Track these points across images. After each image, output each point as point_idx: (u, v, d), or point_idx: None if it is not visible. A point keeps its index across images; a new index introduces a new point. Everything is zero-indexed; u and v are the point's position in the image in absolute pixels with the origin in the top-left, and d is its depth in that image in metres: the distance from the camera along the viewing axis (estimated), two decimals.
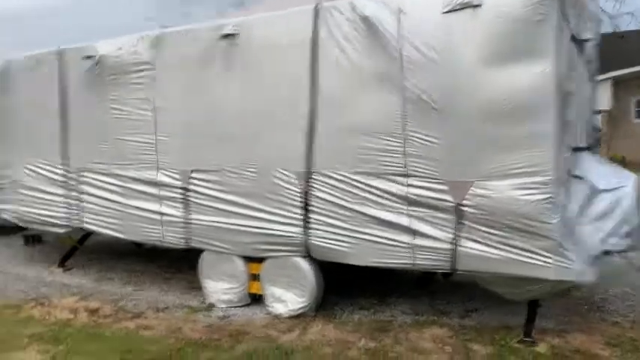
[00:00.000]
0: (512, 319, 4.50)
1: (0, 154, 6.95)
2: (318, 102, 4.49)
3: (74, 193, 6.25)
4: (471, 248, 3.95)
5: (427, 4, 3.94)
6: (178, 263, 6.96)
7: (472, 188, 3.88)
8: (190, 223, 5.33)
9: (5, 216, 7.05)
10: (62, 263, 7.06)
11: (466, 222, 3.95)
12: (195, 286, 5.95)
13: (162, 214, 5.51)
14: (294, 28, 4.55)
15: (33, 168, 6.59)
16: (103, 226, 6.03)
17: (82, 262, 7.14)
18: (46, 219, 6.58)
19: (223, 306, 5.20)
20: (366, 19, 4.15)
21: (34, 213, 6.66)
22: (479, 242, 3.92)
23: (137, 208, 5.69)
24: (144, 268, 6.91)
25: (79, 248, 7.22)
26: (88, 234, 6.74)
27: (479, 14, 3.74)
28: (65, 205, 6.35)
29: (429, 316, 4.79)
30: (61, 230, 6.57)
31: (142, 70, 5.47)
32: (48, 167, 6.44)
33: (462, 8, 3.78)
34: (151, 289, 6.01)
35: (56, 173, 6.38)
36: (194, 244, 5.38)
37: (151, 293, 5.82)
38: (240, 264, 5.14)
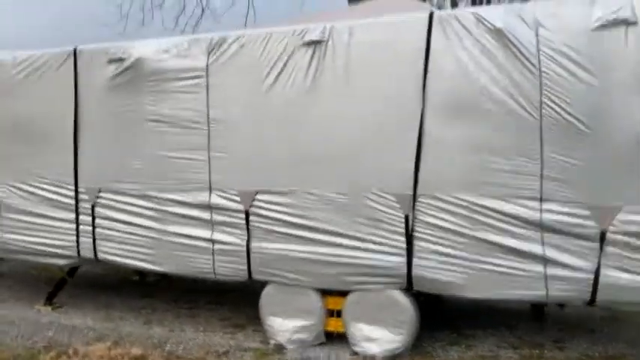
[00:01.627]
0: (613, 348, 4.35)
1: None
2: (427, 117, 4.09)
3: (85, 218, 5.31)
4: (617, 277, 3.72)
5: (572, 19, 3.72)
6: (186, 296, 6.22)
7: (620, 213, 3.67)
8: (253, 252, 4.67)
9: None
10: (50, 300, 5.99)
11: (611, 249, 3.72)
12: (237, 323, 5.30)
13: (214, 241, 4.79)
14: (403, 36, 4.14)
15: (24, 187, 5.55)
16: (129, 256, 5.15)
17: (64, 298, 6.10)
18: (42, 248, 5.54)
19: (295, 347, 4.57)
20: (497, 32, 3.85)
21: (25, 241, 5.60)
22: (627, 271, 3.70)
23: (179, 235, 4.91)
24: (146, 303, 6.06)
25: (67, 282, 6.18)
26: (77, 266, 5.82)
27: (635, 32, 3.58)
28: (71, 232, 5.39)
29: (531, 349, 4.50)
30: (64, 261, 5.56)
31: (193, 77, 4.77)
32: (48, 187, 5.44)
33: (615, 25, 3.60)
34: (185, 328, 5.20)
35: (60, 194, 5.40)
36: (257, 276, 4.71)
37: (191, 335, 5.02)
38: (315, 298, 4.56)
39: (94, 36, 6.61)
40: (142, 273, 7.03)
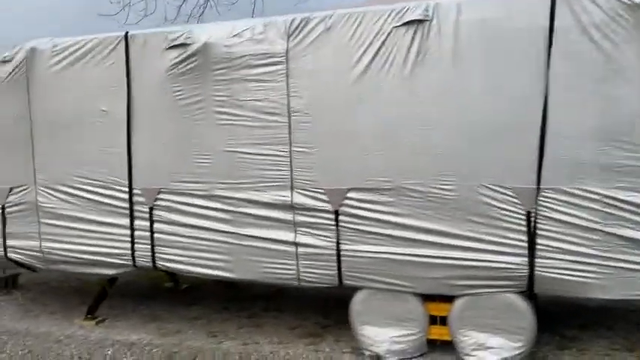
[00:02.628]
0: None
1: (7, 171, 5.20)
2: (552, 102, 3.71)
3: (142, 222, 4.78)
4: None
5: None
6: (233, 302, 5.82)
7: None
8: (343, 256, 4.23)
9: (15, 257, 5.28)
10: (91, 314, 5.44)
11: None
12: (312, 332, 4.89)
13: (298, 245, 4.33)
14: (522, 13, 3.75)
15: (66, 190, 4.98)
16: (195, 263, 4.65)
17: (101, 310, 5.57)
18: (90, 257, 4.99)
19: (395, 357, 4.16)
20: (636, 7, 3.49)
21: (69, 250, 5.03)
22: None
23: (256, 238, 4.43)
24: (197, 312, 5.61)
25: (108, 293, 5.63)
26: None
27: None
28: (124, 239, 4.85)
29: None
30: (114, 271, 5.02)
31: (271, 64, 4.29)
32: (96, 189, 4.89)
33: None
34: (259, 340, 4.74)
35: (111, 197, 4.86)
36: (349, 282, 4.27)
37: (270, 348, 4.56)
38: (416, 304, 4.15)
39: (95, 27, 6.05)
40: (176, 279, 6.53)
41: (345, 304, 4.38)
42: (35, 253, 5.15)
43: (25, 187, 5.12)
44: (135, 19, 10.52)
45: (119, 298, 5.92)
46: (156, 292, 6.40)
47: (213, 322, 5.29)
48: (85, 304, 5.93)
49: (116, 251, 4.88)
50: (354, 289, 4.32)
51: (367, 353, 4.24)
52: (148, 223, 4.76)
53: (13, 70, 5.05)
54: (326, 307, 5.48)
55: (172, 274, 6.39)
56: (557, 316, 4.80)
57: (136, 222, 4.79)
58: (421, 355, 4.19)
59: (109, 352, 4.57)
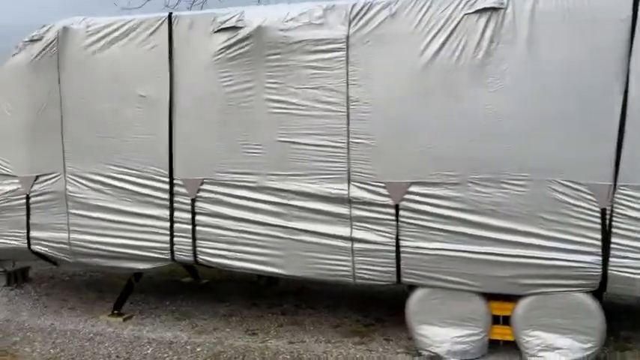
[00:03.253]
0: None
1: (33, 158, 4.89)
2: (633, 95, 3.59)
3: (183, 215, 4.54)
4: None
5: None
6: (262, 298, 5.65)
7: None
8: (402, 252, 4.06)
9: (39, 249, 4.97)
10: (118, 310, 5.17)
11: None
12: (357, 330, 4.74)
13: (353, 240, 4.15)
14: (602, 5, 3.61)
15: (100, 179, 4.70)
16: (240, 258, 4.43)
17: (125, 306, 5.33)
18: (124, 251, 4.72)
19: (456, 358, 4.01)
20: None
21: (101, 243, 4.75)
22: None
23: (309, 233, 4.23)
24: (227, 308, 5.41)
25: (134, 288, 5.36)
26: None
27: None
28: (163, 232, 4.60)
29: None
30: (151, 265, 4.77)
31: (330, 50, 4.09)
32: (133, 179, 4.63)
33: None
34: (304, 338, 4.55)
35: (149, 187, 4.60)
36: (407, 280, 4.11)
37: (319, 347, 4.37)
38: (479, 303, 4.01)
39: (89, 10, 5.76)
40: (195, 274, 6.30)
41: (382, 300, 4.23)
42: (62, 246, 4.86)
43: (52, 176, 4.82)
44: (137, 2, 10.17)
45: (139, 293, 5.65)
46: (176, 288, 6.15)
47: (248, 319, 5.08)
48: (104, 299, 5.71)
49: (153, 244, 4.63)
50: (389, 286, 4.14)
51: (425, 353, 4.09)
52: (189, 216, 4.51)
53: (43, 50, 4.75)
54: (363, 304, 5.34)
55: (191, 269, 6.16)
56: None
57: (176, 214, 4.54)
58: (482, 356, 4.05)
59: (149, 351, 4.33)
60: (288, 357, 4.15)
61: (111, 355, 4.27)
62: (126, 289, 5.29)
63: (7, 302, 5.67)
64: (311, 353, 4.21)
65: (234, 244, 4.42)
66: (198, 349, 4.33)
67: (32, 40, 4.77)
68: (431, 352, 4.07)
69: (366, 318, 5.06)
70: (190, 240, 4.53)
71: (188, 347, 4.38)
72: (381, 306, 5.35)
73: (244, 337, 4.62)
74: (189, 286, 6.28)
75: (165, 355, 4.25)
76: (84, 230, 4.77)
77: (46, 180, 4.83)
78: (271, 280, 5.07)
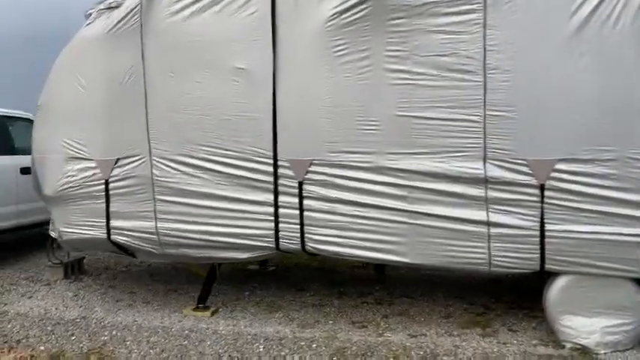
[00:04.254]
0: None
1: (112, 139, 4.43)
2: None
3: (289, 199, 4.12)
4: None
5: None
6: (346, 286, 5.31)
7: None
8: (548, 237, 3.68)
9: (120, 239, 4.53)
10: (203, 302, 4.77)
11: None
12: (475, 321, 4.34)
13: (490, 224, 3.76)
14: None
15: (190, 162, 4.26)
16: (358, 245, 4.03)
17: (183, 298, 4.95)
18: (221, 240, 4.30)
19: (606, 351, 3.68)
20: None
21: (195, 232, 4.33)
22: None
23: (438, 217, 3.84)
24: (315, 298, 5.06)
25: (217, 279, 4.96)
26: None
27: None
28: (266, 218, 4.18)
29: None
30: (250, 255, 4.36)
31: (464, 13, 3.66)
32: (229, 160, 4.19)
33: None
34: (424, 331, 4.18)
35: (249, 169, 4.17)
36: (552, 266, 3.74)
37: (442, 340, 4.00)
38: (632, 290, 3.67)
39: None
40: (263, 260, 5.91)
41: (478, 286, 3.88)
42: (148, 236, 4.42)
43: (136, 159, 4.37)
44: None
45: (198, 283, 5.23)
46: (244, 276, 5.76)
47: (345, 310, 4.71)
48: (174, 290, 5.34)
49: (255, 232, 4.21)
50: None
51: (569, 346, 3.75)
52: (296, 200, 4.09)
53: (123, 19, 4.27)
54: (458, 290, 5.03)
55: None
56: None
57: (282, 198, 4.12)
58: (635, 347, 3.72)
59: (261, 349, 3.93)
60: (421, 353, 3.77)
61: (220, 355, 3.87)
62: (208, 281, 4.89)
63: (74, 297, 5.23)
64: (442, 348, 3.84)
65: (347, 231, 4.02)
66: (314, 346, 3.95)
67: (110, 8, 4.29)
68: (577, 343, 3.72)
69: (471, 306, 4.73)
70: (298, 226, 4.12)
71: (302, 343, 3.99)
72: (478, 292, 5.02)
73: (355, 331, 4.24)
74: (258, 274, 5.90)
75: (283, 352, 3.86)
76: (174, 218, 4.34)
77: (129, 163, 4.38)
78: (379, 267, 4.69)
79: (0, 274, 6.06)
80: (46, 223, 6.92)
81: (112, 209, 4.45)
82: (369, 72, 3.85)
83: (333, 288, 5.37)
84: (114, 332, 4.34)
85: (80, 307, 4.96)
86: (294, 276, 5.70)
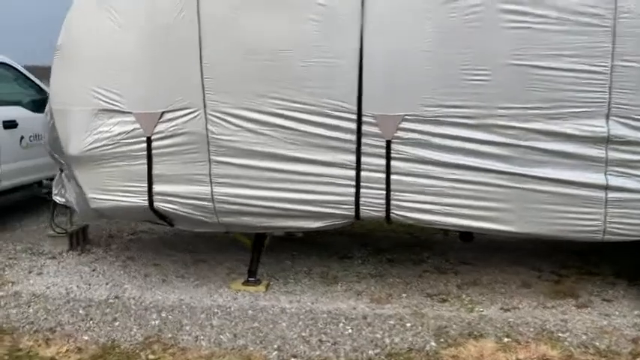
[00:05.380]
0: None
1: (156, 88, 3.70)
2: None
3: (373, 160, 3.59)
4: None
5: None
6: (378, 255, 4.92)
7: None
8: None
9: (166, 207, 3.86)
10: (254, 276, 4.23)
11: None
12: (554, 289, 4.10)
13: (608, 188, 3.40)
14: None
15: (255, 117, 3.62)
16: (455, 213, 3.58)
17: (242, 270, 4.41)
18: (289, 207, 3.73)
19: None
20: None
21: (259, 198, 3.73)
22: None
23: (550, 181, 3.43)
24: (353, 267, 4.62)
25: (264, 249, 4.41)
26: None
27: None
28: (344, 182, 3.64)
29: None
30: (324, 224, 3.82)
31: None
32: (304, 115, 3.58)
33: None
34: (502, 301, 3.87)
35: (327, 126, 3.58)
36: None
37: (540, 311, 3.68)
38: None
39: None
40: None
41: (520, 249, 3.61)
42: (202, 203, 3.78)
43: (186, 112, 3.66)
44: None
45: (238, 252, 4.67)
46: (273, 244, 5.16)
47: (412, 281, 4.32)
48: (204, 260, 4.76)
49: (332, 198, 3.67)
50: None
51: None
52: (383, 162, 3.57)
53: None
54: (514, 256, 4.73)
55: None
56: None
57: (365, 160, 3.58)
58: None
59: (350, 330, 3.46)
60: (532, 330, 3.42)
61: (311, 338, 3.37)
62: (257, 250, 4.33)
63: (92, 272, 4.53)
64: (550, 324, 3.50)
65: (443, 197, 3.55)
66: (409, 325, 3.51)
67: None
68: None
69: (541, 272, 4.44)
70: (383, 192, 3.60)
71: (392, 322, 3.55)
72: (534, 256, 4.71)
73: (439, 305, 3.85)
74: (288, 240, 5.35)
75: (377, 335, 3.41)
76: (233, 182, 3.71)
77: (177, 118, 3.67)
78: (467, 234, 4.28)
79: None
80: (30, 186, 6.08)
81: (155, 172, 3.75)
82: (477, 12, 3.32)
83: (378, 255, 4.95)
84: (163, 315, 3.74)
85: (106, 284, 4.29)
86: (328, 242, 5.20)
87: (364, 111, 3.51)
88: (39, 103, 6.15)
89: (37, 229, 5.75)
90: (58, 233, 5.00)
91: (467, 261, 4.73)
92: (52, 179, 6.42)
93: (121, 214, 4.11)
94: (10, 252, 5.01)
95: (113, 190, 3.81)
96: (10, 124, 5.57)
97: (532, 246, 4.97)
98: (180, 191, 3.77)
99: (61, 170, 4.65)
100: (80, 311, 3.79)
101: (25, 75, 6.17)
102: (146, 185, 3.77)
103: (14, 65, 6.05)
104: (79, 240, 5.19)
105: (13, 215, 6.18)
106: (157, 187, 3.78)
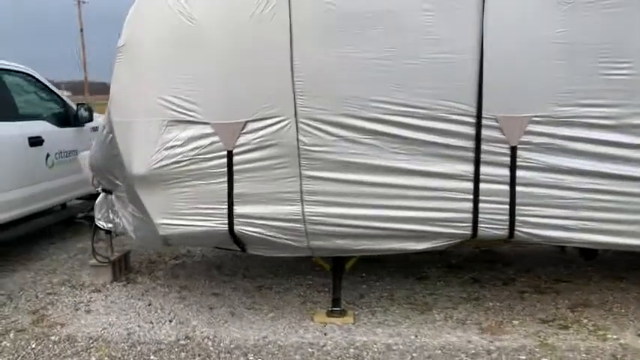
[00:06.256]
0: None
1: (239, 93, 3.17)
2: None
3: (493, 170, 3.10)
4: None
5: None
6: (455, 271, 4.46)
7: None
8: None
9: (249, 231, 3.32)
10: (338, 305, 3.72)
11: None
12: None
13: None
14: None
15: (356, 123, 3.11)
16: (597, 229, 3.12)
17: (319, 298, 3.94)
18: (394, 226, 3.23)
19: None
20: None
21: (359, 217, 3.21)
22: None
23: None
24: (420, 286, 4.21)
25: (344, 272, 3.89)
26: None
27: None
28: (460, 196, 3.15)
29: None
30: (432, 245, 3.31)
31: None
32: (410, 120, 3.08)
33: None
34: (602, 326, 3.41)
35: (437, 131, 3.09)
36: None
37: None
38: None
39: None
40: None
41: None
42: (291, 225, 3.25)
43: (274, 121, 3.13)
44: None
45: (299, 275, 4.16)
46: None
47: (512, 303, 3.86)
48: (268, 288, 4.31)
49: (444, 215, 3.18)
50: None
51: None
52: (506, 172, 3.08)
53: None
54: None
55: None
56: None
57: (485, 170, 3.10)
58: None
59: None
60: None
61: None
62: (338, 277, 3.82)
63: (148, 307, 3.97)
64: None
65: (579, 210, 3.08)
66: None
67: None
68: None
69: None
70: (506, 207, 3.11)
71: (523, 357, 3.06)
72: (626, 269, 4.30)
73: (564, 333, 3.36)
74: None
75: None
76: (328, 200, 3.19)
77: (263, 128, 3.14)
78: (589, 252, 3.81)
79: (21, 277, 4.62)
80: (55, 210, 5.49)
81: (236, 191, 3.22)
82: None
83: (457, 274, 4.49)
84: (251, 357, 3.21)
85: (169, 321, 3.73)
86: (389, 259, 4.65)
87: (485, 113, 3.02)
88: (63, 117, 5.61)
89: (68, 257, 5.17)
90: (101, 262, 4.42)
91: (561, 278, 4.29)
92: (80, 200, 5.95)
93: (192, 240, 3.56)
94: (47, 286, 4.42)
95: (187, 214, 3.27)
96: (36, 141, 4.98)
97: (609, 254, 4.54)
98: (266, 212, 3.24)
99: (106, 192, 4.10)
100: (152, 357, 3.23)
101: (47, 87, 5.60)
102: (226, 207, 3.23)
103: (36, 76, 5.48)
104: (122, 269, 4.62)
105: (38, 242, 5.59)
106: (238, 209, 3.24)
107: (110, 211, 4.03)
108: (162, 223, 3.29)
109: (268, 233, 3.29)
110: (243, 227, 3.28)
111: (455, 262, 4.73)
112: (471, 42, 2.97)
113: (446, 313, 3.73)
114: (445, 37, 2.98)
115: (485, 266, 4.61)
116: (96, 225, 4.35)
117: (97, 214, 4.22)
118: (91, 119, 5.79)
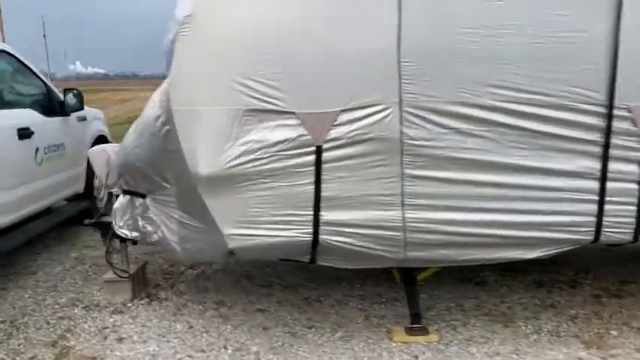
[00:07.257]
0: None
1: (332, 81, 2.64)
2: None
3: (622, 167, 2.74)
4: None
5: None
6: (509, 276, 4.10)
7: None
8: None
9: (337, 241, 2.79)
10: (418, 322, 3.27)
11: None
12: None
13: None
14: None
15: (470, 112, 2.65)
16: None
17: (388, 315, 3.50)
18: (507, 233, 2.81)
19: None
20: None
21: (469, 223, 2.77)
22: None
23: None
24: (501, 296, 3.79)
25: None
26: None
27: None
28: (583, 197, 2.77)
29: None
30: (542, 252, 2.92)
31: None
32: (531, 109, 2.67)
33: None
34: None
35: (561, 122, 2.69)
36: None
37: None
38: None
39: None
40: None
41: None
42: (387, 233, 2.75)
43: (373, 110, 2.62)
44: None
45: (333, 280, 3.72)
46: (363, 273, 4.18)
47: (598, 310, 3.52)
48: (316, 300, 3.78)
49: (564, 219, 2.79)
50: None
51: None
52: (638, 169, 2.72)
53: None
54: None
55: None
56: None
57: (614, 166, 2.73)
58: None
59: None
60: None
61: None
62: (411, 288, 3.36)
63: (190, 331, 3.36)
64: None
65: None
66: None
67: None
68: None
69: None
70: (634, 208, 2.76)
71: None
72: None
73: None
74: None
75: None
76: (433, 204, 2.72)
77: (360, 119, 2.63)
78: None
79: (18, 298, 3.88)
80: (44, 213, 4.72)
81: (325, 194, 2.69)
82: None
83: (514, 277, 4.12)
84: None
85: (224, 347, 3.15)
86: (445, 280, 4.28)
87: (617, 102, 2.64)
88: (48, 105, 4.82)
89: (64, 270, 4.44)
90: (120, 277, 3.75)
91: (627, 279, 4.01)
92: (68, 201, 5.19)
93: (264, 253, 2.99)
94: (54, 308, 3.71)
95: (263, 222, 2.70)
96: (25, 133, 4.22)
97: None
98: (358, 219, 2.73)
99: (133, 194, 3.46)
100: None
101: (29, 67, 4.77)
102: (311, 213, 2.70)
103: (16, 55, 4.65)
104: (140, 284, 3.97)
105: (21, 251, 4.78)
106: (325, 215, 2.71)
107: (140, 217, 3.38)
108: (233, 234, 2.71)
109: (359, 243, 2.78)
110: (330, 237, 2.76)
111: (502, 264, 4.37)
112: (606, 23, 2.57)
113: (533, 325, 3.35)
114: (576, 17, 2.57)
115: (538, 268, 4.27)
116: (113, 233, 3.68)
117: (118, 221, 3.56)
118: (81, 107, 5.02)
